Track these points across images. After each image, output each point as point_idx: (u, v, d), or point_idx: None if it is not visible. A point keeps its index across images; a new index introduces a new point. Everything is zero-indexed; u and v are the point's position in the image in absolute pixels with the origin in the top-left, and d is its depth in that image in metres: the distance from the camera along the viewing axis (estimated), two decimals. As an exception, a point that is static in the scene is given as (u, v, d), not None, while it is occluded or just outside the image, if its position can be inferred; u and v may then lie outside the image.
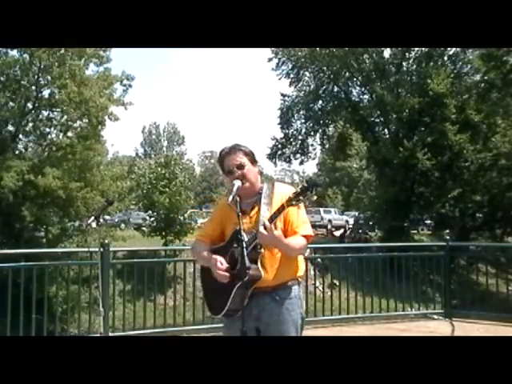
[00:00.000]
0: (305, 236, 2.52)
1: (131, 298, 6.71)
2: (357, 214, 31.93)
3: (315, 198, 2.36)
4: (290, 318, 2.50)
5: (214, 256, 2.49)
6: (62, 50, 17.34)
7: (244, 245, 2.34)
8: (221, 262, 2.45)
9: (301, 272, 2.62)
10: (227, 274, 2.42)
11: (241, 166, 2.54)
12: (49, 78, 18.21)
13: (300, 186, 2.34)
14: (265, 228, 2.33)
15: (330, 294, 7.08)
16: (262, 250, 2.45)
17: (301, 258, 2.64)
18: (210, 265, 2.51)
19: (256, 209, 2.54)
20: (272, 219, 2.38)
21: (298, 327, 2.55)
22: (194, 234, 21.39)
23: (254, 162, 2.60)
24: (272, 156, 28.28)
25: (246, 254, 2.33)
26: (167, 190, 20.94)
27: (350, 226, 29.64)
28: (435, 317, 6.86)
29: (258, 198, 2.55)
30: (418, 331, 6.08)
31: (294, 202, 2.33)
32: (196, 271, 6.10)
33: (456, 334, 5.99)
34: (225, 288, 2.45)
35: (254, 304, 2.44)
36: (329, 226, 30.04)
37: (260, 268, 2.43)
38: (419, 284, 7.24)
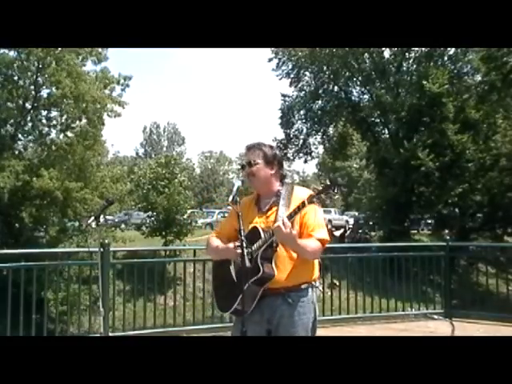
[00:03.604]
0: (320, 240, 2.48)
1: (131, 298, 6.72)
2: (357, 214, 31.89)
3: (337, 197, 2.40)
4: (300, 321, 2.47)
5: (231, 245, 2.48)
6: (59, 49, 17.27)
7: (244, 244, 2.34)
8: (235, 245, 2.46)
9: (315, 275, 2.59)
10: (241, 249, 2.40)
11: (251, 164, 2.58)
12: (46, 75, 18.15)
13: (322, 184, 2.38)
14: (283, 224, 2.32)
15: (330, 293, 7.07)
16: (278, 250, 2.44)
17: (316, 262, 2.60)
18: (225, 254, 2.51)
19: (273, 209, 2.56)
20: (291, 216, 2.39)
21: (309, 331, 2.51)
22: (195, 234, 21.43)
23: (269, 163, 2.59)
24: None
25: (245, 253, 2.33)
26: (166, 190, 20.90)
27: (350, 226, 29.61)
28: (435, 317, 6.86)
29: (277, 199, 2.56)
30: (418, 331, 6.07)
31: (314, 199, 2.36)
32: (196, 271, 6.13)
33: (456, 333, 5.99)
34: (236, 286, 2.44)
35: (265, 306, 2.43)
36: (329, 226, 29.95)
37: (274, 267, 2.42)
38: (419, 284, 7.23)
